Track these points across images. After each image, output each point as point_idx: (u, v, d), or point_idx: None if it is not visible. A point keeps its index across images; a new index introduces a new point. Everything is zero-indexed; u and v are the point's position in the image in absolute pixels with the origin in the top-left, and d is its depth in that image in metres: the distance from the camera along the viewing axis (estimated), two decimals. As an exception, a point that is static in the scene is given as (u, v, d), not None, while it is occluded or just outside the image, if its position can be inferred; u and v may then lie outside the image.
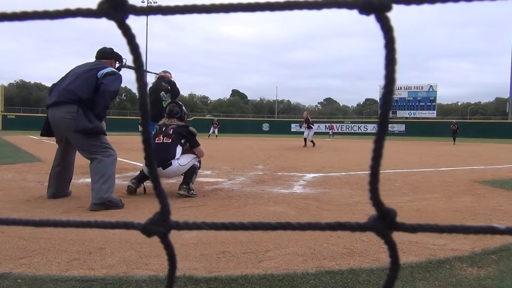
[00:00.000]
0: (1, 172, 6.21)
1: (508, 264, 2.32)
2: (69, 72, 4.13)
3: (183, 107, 4.91)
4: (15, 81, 75.60)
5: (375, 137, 0.31)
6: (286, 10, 0.28)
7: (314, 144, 16.99)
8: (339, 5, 0.28)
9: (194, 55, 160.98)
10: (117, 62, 4.39)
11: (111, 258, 2.34)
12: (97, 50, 4.32)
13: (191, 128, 4.69)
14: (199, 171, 4.76)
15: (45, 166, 6.78)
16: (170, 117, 4.71)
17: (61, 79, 4.15)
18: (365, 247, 2.60)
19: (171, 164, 4.38)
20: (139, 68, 0.31)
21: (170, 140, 4.49)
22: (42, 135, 4.25)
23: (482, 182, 5.84)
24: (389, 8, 0.27)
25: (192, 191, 4.44)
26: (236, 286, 1.98)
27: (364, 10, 0.27)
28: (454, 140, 22.92)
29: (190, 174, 4.49)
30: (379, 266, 2.25)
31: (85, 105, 3.89)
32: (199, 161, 4.73)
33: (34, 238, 2.66)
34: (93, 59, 4.30)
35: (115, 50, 4.41)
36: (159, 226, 0.32)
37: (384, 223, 0.30)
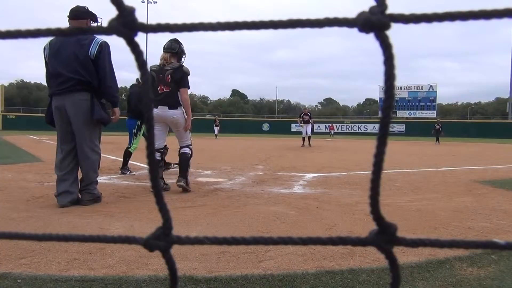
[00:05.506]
0: (1, 172, 6.22)
1: (508, 264, 2.33)
2: (50, 54, 3.91)
3: (182, 45, 4.82)
4: (15, 81, 75.61)
5: (375, 151, 0.32)
6: (289, 28, 0.29)
7: (310, 143, 16.93)
8: (340, 24, 0.28)
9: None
10: (92, 22, 4.14)
11: (111, 258, 2.35)
12: (71, 9, 4.03)
13: (185, 68, 4.66)
14: (192, 169, 5.11)
15: (45, 166, 6.79)
16: (167, 52, 4.65)
17: (46, 63, 3.97)
18: (365, 247, 2.60)
19: (176, 108, 4.64)
20: (146, 82, 0.32)
21: (170, 90, 4.59)
22: (46, 122, 4.13)
23: (482, 182, 5.85)
24: (387, 27, 0.28)
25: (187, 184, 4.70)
26: (236, 286, 1.99)
27: (364, 28, 0.28)
28: (438, 139, 22.35)
29: (184, 166, 4.67)
30: (379, 266, 2.25)
31: (96, 93, 3.89)
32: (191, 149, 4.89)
33: (35, 238, 2.66)
34: None
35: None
36: (161, 241, 0.33)
37: (384, 238, 0.30)
